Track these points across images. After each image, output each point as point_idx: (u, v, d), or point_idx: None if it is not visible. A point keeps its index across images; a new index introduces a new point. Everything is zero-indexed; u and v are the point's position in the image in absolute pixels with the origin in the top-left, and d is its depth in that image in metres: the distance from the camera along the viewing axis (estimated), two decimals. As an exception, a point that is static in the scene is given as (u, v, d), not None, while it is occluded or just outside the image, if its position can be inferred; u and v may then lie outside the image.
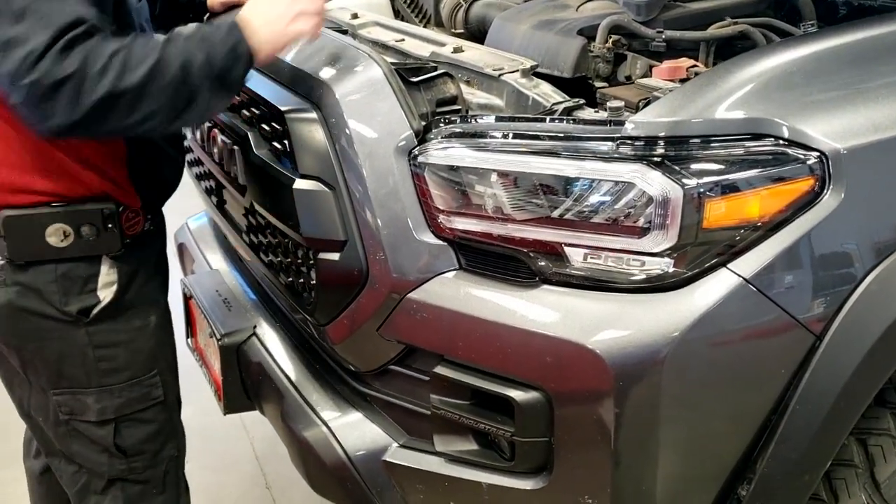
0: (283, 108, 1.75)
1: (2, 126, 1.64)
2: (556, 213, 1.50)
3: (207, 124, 2.15)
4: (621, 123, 1.49)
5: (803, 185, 1.48)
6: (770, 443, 1.54)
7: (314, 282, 1.77)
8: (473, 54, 1.99)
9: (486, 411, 1.59)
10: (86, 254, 1.74)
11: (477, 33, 2.57)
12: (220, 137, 2.05)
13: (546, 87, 1.78)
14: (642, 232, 1.46)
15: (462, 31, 2.61)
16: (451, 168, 1.58)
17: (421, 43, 2.16)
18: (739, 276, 1.46)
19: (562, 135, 1.53)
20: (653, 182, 1.43)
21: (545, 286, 1.54)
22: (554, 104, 1.70)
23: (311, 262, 1.76)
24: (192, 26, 1.67)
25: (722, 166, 1.46)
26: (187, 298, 2.33)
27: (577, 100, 1.72)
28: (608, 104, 1.62)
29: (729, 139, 1.48)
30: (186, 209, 2.60)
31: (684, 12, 2.15)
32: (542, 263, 1.53)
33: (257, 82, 1.91)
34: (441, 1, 2.72)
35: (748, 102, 1.51)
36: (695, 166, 1.45)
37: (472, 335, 1.56)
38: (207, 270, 2.41)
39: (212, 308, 2.18)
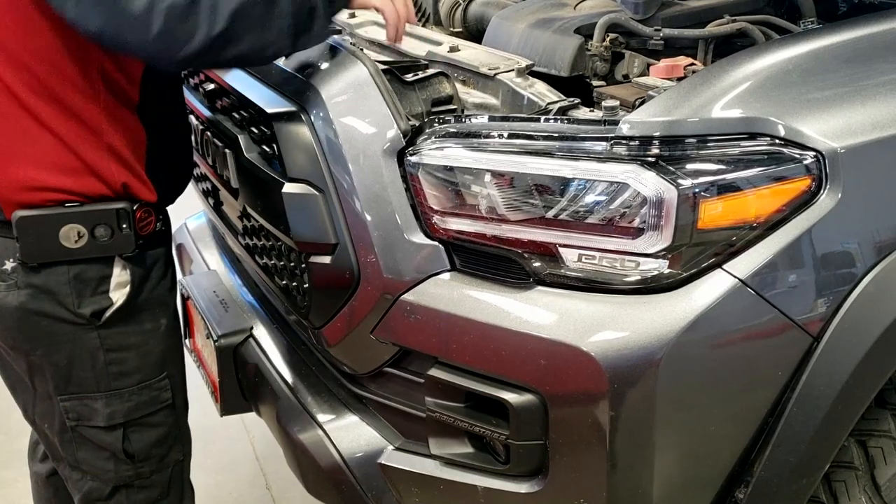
0: (269, 111, 1.74)
1: (25, 121, 1.62)
2: (550, 214, 1.49)
3: (200, 126, 2.15)
4: (616, 123, 1.48)
5: (800, 185, 1.47)
6: (767, 445, 1.52)
7: (307, 285, 1.76)
8: (469, 53, 1.97)
9: (481, 414, 1.58)
10: (99, 255, 1.71)
11: (475, 32, 2.55)
12: (212, 140, 2.04)
13: (541, 87, 1.77)
14: (637, 233, 1.44)
15: (460, 29, 2.59)
16: (446, 168, 1.56)
17: (418, 42, 2.14)
18: (735, 276, 1.44)
19: (556, 135, 1.51)
20: (647, 182, 1.42)
21: (539, 287, 1.52)
22: (549, 104, 1.69)
23: (304, 265, 1.75)
24: None
25: (717, 166, 1.44)
26: (185, 299, 2.33)
27: (572, 99, 1.70)
28: (603, 103, 1.60)
29: (724, 139, 1.46)
30: (185, 209, 2.60)
31: (682, 10, 2.14)
32: (537, 264, 1.52)
33: (245, 84, 1.90)
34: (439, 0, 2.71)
35: (744, 101, 1.49)
36: (690, 166, 1.43)
37: (467, 337, 1.55)
38: (205, 271, 2.41)
39: (209, 309, 2.17)
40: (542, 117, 1.60)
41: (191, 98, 2.26)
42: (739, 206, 1.45)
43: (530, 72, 1.85)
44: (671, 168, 1.42)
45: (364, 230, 1.61)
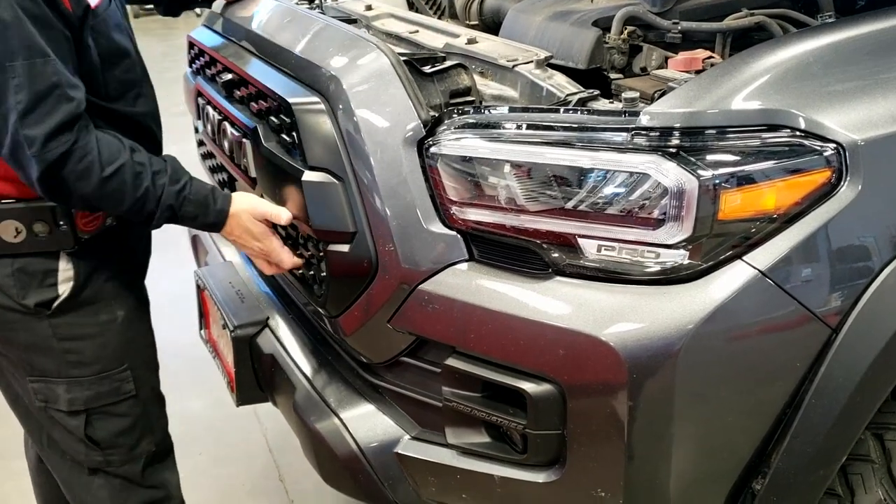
0: (290, 100, 1.75)
1: None
2: (569, 205, 1.49)
3: (217, 117, 2.15)
4: (636, 114, 1.48)
5: (820, 177, 1.47)
6: (785, 436, 1.52)
7: (325, 273, 1.76)
8: (487, 45, 1.98)
9: (499, 404, 1.58)
10: (40, 250, 1.77)
11: (491, 25, 2.56)
12: (230, 130, 2.05)
13: (560, 78, 1.77)
14: (657, 223, 1.44)
15: (476, 22, 2.60)
16: (464, 159, 1.57)
17: (435, 34, 2.15)
18: (755, 268, 1.44)
19: (576, 125, 1.51)
20: (668, 173, 1.42)
21: (558, 278, 1.52)
22: (568, 95, 1.69)
23: (322, 253, 1.76)
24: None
25: (738, 157, 1.44)
26: (200, 290, 2.34)
27: (591, 91, 1.70)
28: (623, 95, 1.61)
29: (745, 130, 1.46)
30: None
31: (700, 3, 2.13)
32: (556, 255, 1.52)
33: (265, 74, 1.91)
34: (455, -8, 2.71)
35: (765, 93, 1.49)
36: (710, 157, 1.43)
37: (485, 327, 1.55)
38: (220, 262, 2.41)
39: (225, 300, 2.18)
40: (562, 108, 1.60)
41: (207, 88, 2.26)
42: (760, 197, 1.45)
43: (547, 64, 1.85)
44: (692, 159, 1.43)
45: (383, 219, 1.61)
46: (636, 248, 1.47)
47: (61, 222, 1.76)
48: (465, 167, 1.57)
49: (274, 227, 1.88)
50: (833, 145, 1.46)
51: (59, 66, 1.60)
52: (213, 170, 2.41)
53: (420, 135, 1.61)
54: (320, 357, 1.96)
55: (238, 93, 2.07)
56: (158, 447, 2.00)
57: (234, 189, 2.25)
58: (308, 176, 1.69)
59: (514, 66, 1.83)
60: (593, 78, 2.01)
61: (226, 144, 2.09)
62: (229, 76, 2.11)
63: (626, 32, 2.04)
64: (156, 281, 2.17)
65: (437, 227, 1.60)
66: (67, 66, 1.62)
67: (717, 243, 1.45)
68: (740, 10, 2.07)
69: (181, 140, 3.04)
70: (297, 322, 2.09)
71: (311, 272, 1.84)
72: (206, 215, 1.77)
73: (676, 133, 1.45)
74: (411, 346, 1.69)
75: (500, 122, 1.58)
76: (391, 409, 1.78)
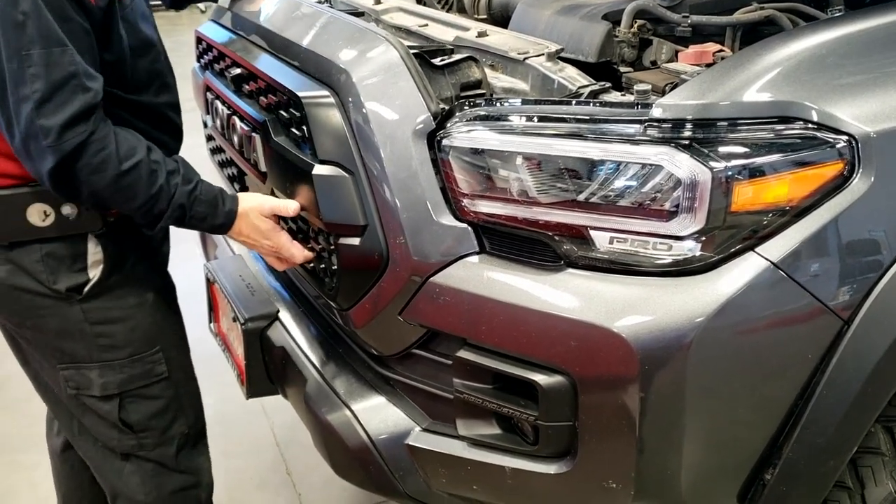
0: (300, 94, 1.75)
1: None
2: (581, 197, 1.49)
3: (227, 112, 2.16)
4: (649, 106, 1.48)
5: (832, 169, 1.47)
6: (796, 428, 1.53)
7: (335, 266, 1.77)
8: (498, 38, 1.98)
9: (510, 395, 1.59)
10: (68, 233, 1.77)
11: (500, 19, 2.55)
12: (239, 125, 2.05)
13: (572, 71, 1.77)
14: (670, 215, 1.44)
15: (485, 17, 2.59)
16: (476, 151, 1.57)
17: (445, 28, 2.15)
18: (768, 260, 1.44)
19: (588, 117, 1.51)
20: (681, 165, 1.42)
21: (570, 270, 1.53)
22: (580, 87, 1.69)
23: (332, 246, 1.76)
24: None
25: (750, 149, 1.44)
26: (210, 283, 2.34)
27: (603, 83, 1.71)
28: (635, 87, 1.61)
29: (758, 122, 1.46)
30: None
31: (710, -3, 2.13)
32: (568, 247, 1.52)
33: (275, 68, 1.91)
34: (464, -13, 2.71)
35: (777, 85, 1.49)
36: (723, 149, 1.43)
37: (496, 319, 1.56)
38: (230, 255, 2.42)
39: (235, 293, 2.18)
40: (574, 100, 1.60)
41: (216, 83, 2.27)
42: (772, 189, 1.45)
43: (557, 57, 1.85)
44: (705, 150, 1.43)
45: (393, 212, 1.62)
46: (648, 240, 1.47)
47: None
48: (476, 160, 1.57)
49: (283, 221, 1.88)
50: (845, 137, 1.46)
51: (77, 57, 1.59)
52: (223, 164, 2.41)
53: (430, 127, 1.61)
54: (331, 349, 1.97)
55: (247, 87, 2.07)
56: (191, 429, 2.01)
57: (243, 184, 2.26)
58: (318, 170, 1.70)
59: (525, 59, 1.83)
60: (603, 72, 2.01)
61: (235, 139, 2.10)
62: (238, 71, 2.12)
63: (636, 26, 2.04)
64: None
65: (448, 220, 1.60)
66: (85, 58, 1.62)
67: (729, 235, 1.45)
68: (750, 4, 2.07)
69: (189, 135, 3.03)
70: (308, 315, 2.09)
71: (322, 265, 1.84)
72: (214, 216, 1.78)
73: (689, 125, 1.45)
74: (422, 339, 1.69)
75: (512, 115, 1.58)
76: (402, 400, 1.78)
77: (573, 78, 1.73)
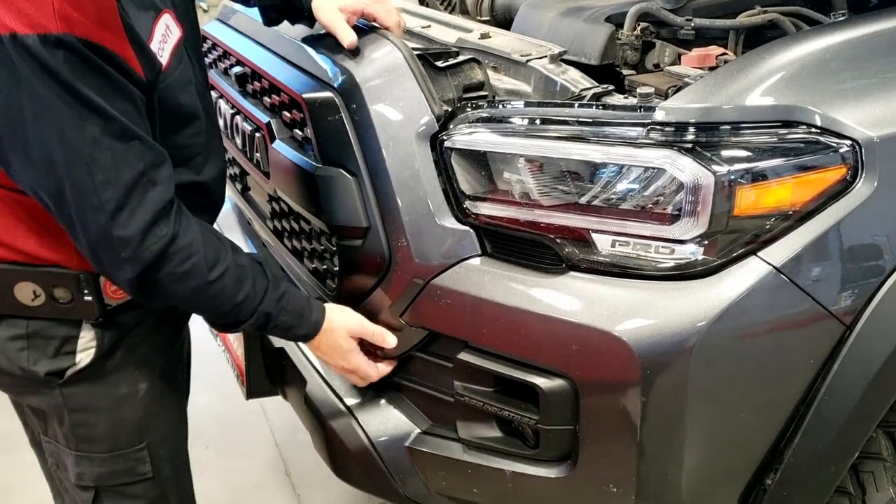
0: (304, 95, 1.75)
1: None
2: (583, 200, 1.49)
3: (230, 111, 2.15)
4: (651, 109, 1.48)
5: (835, 174, 1.46)
6: (797, 433, 1.52)
7: (337, 268, 1.76)
8: (501, 40, 1.98)
9: (510, 398, 1.58)
10: (61, 317, 1.54)
11: (503, 21, 2.55)
12: (243, 124, 2.05)
13: (574, 73, 1.77)
14: (672, 219, 1.44)
15: (488, 18, 2.59)
16: (478, 153, 1.56)
17: (447, 29, 2.15)
18: (770, 264, 1.44)
19: (590, 120, 1.51)
20: (684, 168, 1.42)
21: (572, 273, 1.52)
22: (583, 90, 1.69)
23: (334, 248, 1.76)
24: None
25: (753, 153, 1.44)
26: (210, 284, 2.33)
27: (605, 86, 1.70)
28: (638, 90, 1.60)
29: (760, 126, 1.46)
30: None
31: (713, 1, 2.13)
32: (569, 250, 1.52)
33: (278, 68, 1.90)
34: (466, -12, 2.71)
35: (780, 89, 1.49)
36: (726, 153, 1.43)
37: (497, 322, 1.55)
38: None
39: (235, 293, 2.17)
40: (577, 103, 1.60)
41: (220, 82, 2.27)
42: (775, 193, 1.44)
43: (560, 60, 1.85)
44: (708, 154, 1.42)
45: (396, 214, 1.61)
46: (650, 244, 1.47)
47: (86, 291, 1.51)
48: (479, 161, 1.57)
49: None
50: (849, 142, 1.46)
51: (144, 146, 1.38)
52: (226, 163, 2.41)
53: (433, 129, 1.61)
54: (331, 351, 1.96)
55: (251, 87, 2.07)
56: None
57: (245, 183, 2.26)
58: (321, 171, 1.69)
59: (527, 61, 1.83)
60: (606, 74, 2.01)
61: (238, 139, 2.09)
62: (242, 70, 2.11)
63: (639, 29, 2.05)
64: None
65: (450, 222, 1.60)
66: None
67: (731, 239, 1.44)
68: (753, 8, 2.07)
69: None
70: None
71: (324, 266, 1.84)
72: (299, 326, 1.62)
73: (692, 128, 1.45)
74: (423, 341, 1.69)
75: (515, 117, 1.58)
76: (402, 403, 1.78)
77: (576, 80, 1.73)
